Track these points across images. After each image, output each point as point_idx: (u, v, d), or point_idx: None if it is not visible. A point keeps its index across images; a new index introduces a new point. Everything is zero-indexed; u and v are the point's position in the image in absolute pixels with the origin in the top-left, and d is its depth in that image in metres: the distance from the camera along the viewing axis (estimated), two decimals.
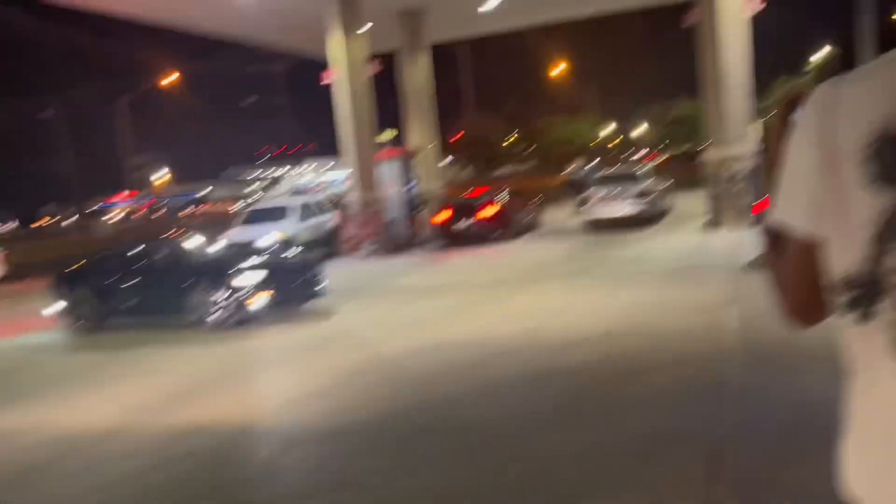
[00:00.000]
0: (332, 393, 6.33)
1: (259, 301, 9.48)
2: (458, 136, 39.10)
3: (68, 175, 56.76)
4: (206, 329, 9.42)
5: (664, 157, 34.28)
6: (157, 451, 5.22)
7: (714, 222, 14.99)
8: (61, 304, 10.49)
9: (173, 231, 12.83)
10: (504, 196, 18.51)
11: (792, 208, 1.09)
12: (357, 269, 14.98)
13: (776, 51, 30.71)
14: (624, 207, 17.41)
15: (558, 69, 41.81)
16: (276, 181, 37.57)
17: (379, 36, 18.64)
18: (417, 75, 21.26)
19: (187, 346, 8.83)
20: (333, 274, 10.93)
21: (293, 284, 9.96)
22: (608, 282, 10.55)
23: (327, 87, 17.52)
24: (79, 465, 5.15)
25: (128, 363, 8.40)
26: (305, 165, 36.97)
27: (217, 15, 18.05)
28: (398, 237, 17.72)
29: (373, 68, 18.16)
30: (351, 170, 17.52)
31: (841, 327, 1.05)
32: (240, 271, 9.64)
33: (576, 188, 23.27)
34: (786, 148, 1.09)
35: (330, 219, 17.95)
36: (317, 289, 10.21)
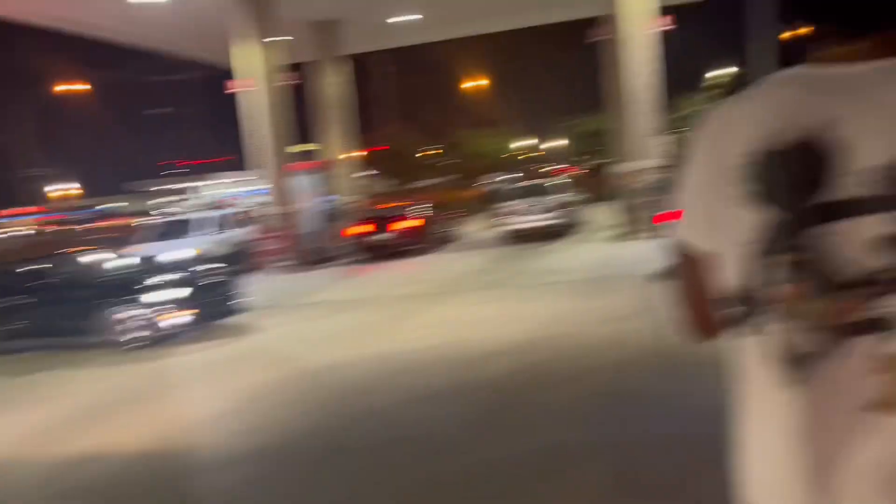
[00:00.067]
0: (247, 412, 6.13)
1: (172, 318, 9.10)
2: (378, 147, 38.97)
3: None
4: (116, 350, 8.96)
5: (578, 170, 35.15)
6: (50, 481, 4.91)
7: (625, 233, 15.44)
8: None
9: (77, 246, 12.18)
10: (422, 208, 18.53)
11: (687, 224, 1.13)
12: (274, 284, 14.64)
13: (687, 68, 32.05)
14: (539, 219, 17.73)
15: (477, 82, 42.35)
16: (188, 194, 36.38)
17: (295, 46, 18.39)
18: (335, 86, 21.09)
19: (94, 369, 8.39)
20: (250, 289, 10.65)
21: (208, 300, 9.61)
22: (524, 293, 10.68)
23: (245, 98, 17.15)
24: None
25: (24, 388, 7.89)
26: (220, 178, 35.96)
27: (120, 21, 17.39)
28: (316, 251, 17.45)
29: (287, 79, 17.88)
30: (266, 183, 17.16)
31: (731, 339, 1.09)
32: (152, 288, 9.23)
33: (493, 200, 23.51)
34: (684, 166, 1.13)
35: (245, 232, 17.50)
36: (233, 304, 9.91)
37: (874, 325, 0.95)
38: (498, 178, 30.31)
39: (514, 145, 52.38)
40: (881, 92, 0.96)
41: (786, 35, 1.05)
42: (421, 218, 18.09)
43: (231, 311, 9.86)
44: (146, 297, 9.09)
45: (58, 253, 11.00)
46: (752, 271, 1.02)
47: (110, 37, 19.69)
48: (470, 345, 7.62)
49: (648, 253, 11.39)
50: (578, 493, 3.97)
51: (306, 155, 21.14)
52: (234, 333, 9.47)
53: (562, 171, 26.74)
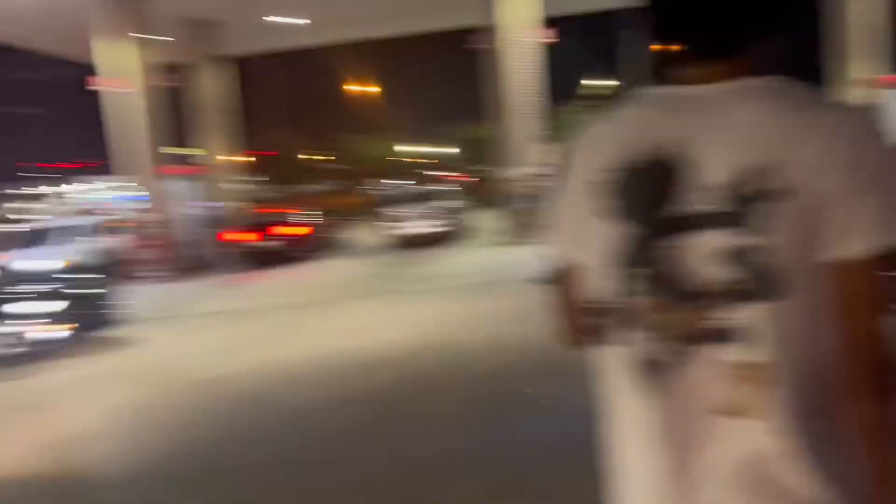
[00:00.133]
0: (122, 431, 5.75)
1: (44, 332, 8.40)
2: (264, 153, 38.03)
3: None
4: None
5: (465, 176, 35.63)
6: None
7: (510, 239, 15.75)
8: None
9: None
10: (310, 215, 18.20)
11: (557, 236, 1.18)
12: (153, 295, 13.91)
13: (571, 78, 33.13)
14: (427, 225, 17.83)
15: (366, 88, 42.11)
16: (51, 198, 34.10)
17: (173, 46, 17.61)
18: (216, 89, 20.35)
19: None
20: (127, 300, 10.05)
21: (82, 312, 8.92)
22: (411, 299, 10.66)
23: (114, 98, 16.22)
24: None
25: None
26: (88, 182, 33.93)
27: None
28: (196, 259, 16.74)
29: (163, 79, 17.09)
30: (141, 188, 16.32)
31: (597, 348, 1.13)
32: (20, 299, 8.52)
33: (381, 206, 23.47)
34: (557, 178, 1.17)
35: (120, 240, 16.55)
36: (109, 317, 9.29)
37: (718, 335, 0.99)
38: (386, 184, 30.33)
39: (402, 151, 52.55)
40: (727, 112, 1.00)
41: (653, 53, 1.09)
42: (308, 224, 17.75)
43: (107, 324, 9.25)
44: (13, 310, 8.38)
45: None
46: (613, 283, 1.06)
47: None
48: (355, 354, 7.50)
49: (531, 258, 11.68)
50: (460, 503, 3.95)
51: (185, 159, 20.30)
52: (110, 347, 8.89)
53: (450, 177, 27.05)
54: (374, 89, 43.56)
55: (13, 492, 4.87)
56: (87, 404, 6.74)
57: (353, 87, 42.62)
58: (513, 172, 16.06)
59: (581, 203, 1.09)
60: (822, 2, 20.14)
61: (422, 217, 18.01)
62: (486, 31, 16.85)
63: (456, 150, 47.48)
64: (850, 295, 0.95)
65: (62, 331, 8.57)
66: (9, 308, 8.39)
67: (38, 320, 8.42)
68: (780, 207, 0.94)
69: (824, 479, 0.96)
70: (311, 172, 40.70)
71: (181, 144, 20.13)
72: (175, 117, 17.90)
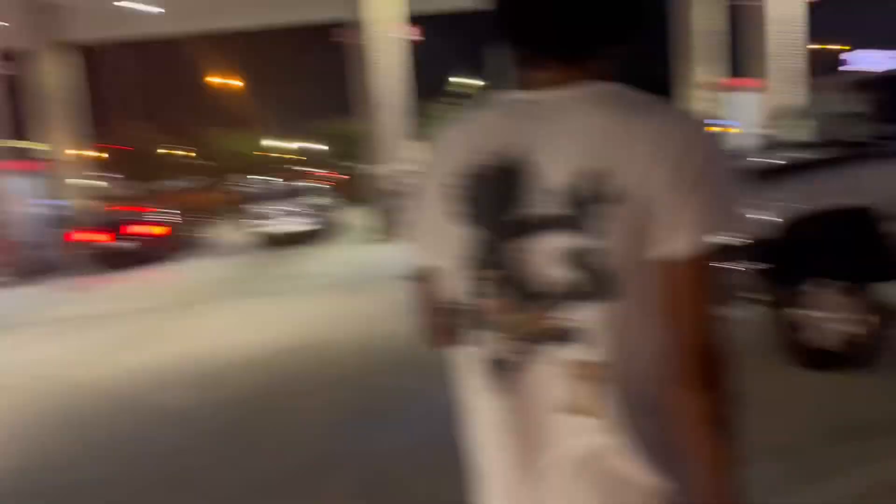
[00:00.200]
0: None
1: None
2: (118, 147, 35.84)
3: None
4: None
5: (335, 173, 35.21)
6: None
7: (379, 237, 15.71)
8: None
9: None
10: (169, 213, 17.31)
11: (416, 238, 1.21)
12: None
13: (441, 75, 33.46)
14: (295, 223, 17.47)
15: (229, 81, 40.54)
16: None
17: (11, 31, 16.19)
18: (60, 78, 18.91)
19: None
20: None
21: None
22: (277, 300, 10.37)
23: None
24: None
25: None
26: None
27: None
28: (41, 261, 15.48)
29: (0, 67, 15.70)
30: None
31: (454, 348, 1.16)
32: None
33: (247, 204, 22.75)
34: (418, 180, 1.19)
35: None
36: None
37: (559, 335, 1.02)
38: (252, 181, 29.41)
39: (269, 147, 51.24)
40: (565, 118, 1.03)
41: (511, 57, 1.10)
42: (166, 223, 16.87)
43: None
44: None
45: None
46: (465, 285, 1.09)
47: None
48: (218, 358, 7.18)
49: (399, 256, 11.71)
50: None
51: (26, 153, 18.74)
52: None
53: (319, 173, 26.68)
54: (238, 82, 42.10)
55: None
56: None
57: (216, 80, 40.95)
58: (382, 169, 16.02)
59: (435, 206, 1.12)
60: (667, 9, 21.53)
61: (289, 215, 17.63)
62: (351, 27, 16.69)
63: (325, 147, 46.85)
64: (678, 292, 0.99)
65: None
66: None
67: None
68: (614, 210, 0.97)
69: (660, 471, 1.01)
70: (171, 168, 38.85)
71: (21, 138, 18.58)
72: (13, 108, 16.48)
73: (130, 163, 34.84)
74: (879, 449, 3.61)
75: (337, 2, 16.76)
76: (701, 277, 0.99)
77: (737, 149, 7.58)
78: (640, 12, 1.08)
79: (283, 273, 13.01)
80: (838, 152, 5.03)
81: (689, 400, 0.99)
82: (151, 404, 5.94)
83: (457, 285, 1.11)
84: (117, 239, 15.85)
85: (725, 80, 21.12)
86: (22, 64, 18.58)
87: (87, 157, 20.53)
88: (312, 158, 51.06)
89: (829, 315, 4.58)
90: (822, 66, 18.32)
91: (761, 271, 4.53)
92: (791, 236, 4.47)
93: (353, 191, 23.64)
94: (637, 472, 1.00)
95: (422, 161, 1.19)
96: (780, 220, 4.50)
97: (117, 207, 17.55)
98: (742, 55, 18.80)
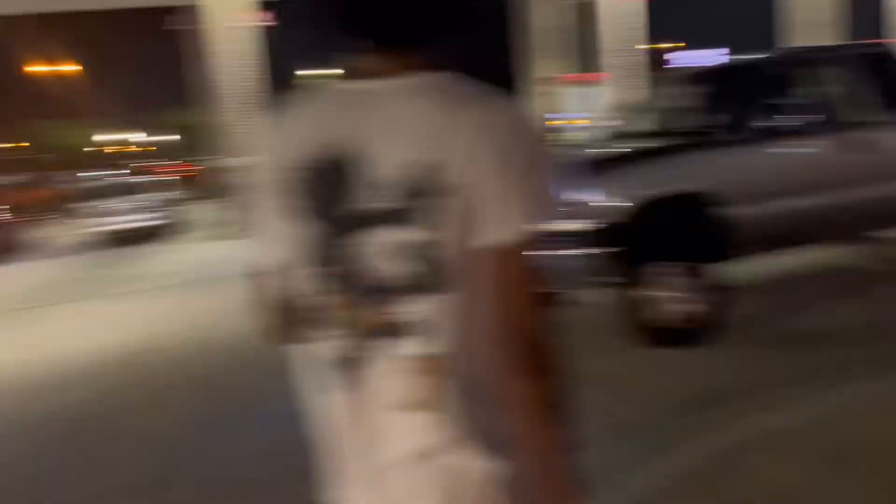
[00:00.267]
0: None
1: None
2: None
3: None
4: None
5: (182, 166, 33.54)
6: None
7: (228, 232, 15.10)
8: None
9: None
10: None
11: (255, 234, 1.17)
12: None
13: (296, 64, 32.58)
14: (136, 219, 16.63)
15: (61, 68, 37.39)
16: None
17: None
18: None
19: None
20: None
21: None
22: (119, 301, 9.72)
23: None
24: None
25: None
26: None
27: None
28: None
29: None
30: None
31: (296, 345, 1.15)
32: None
33: (82, 200, 21.24)
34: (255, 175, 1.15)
35: None
36: None
37: (396, 330, 1.02)
38: (88, 175, 27.48)
39: (105, 139, 48.02)
40: (395, 108, 1.01)
41: (343, 44, 1.07)
42: None
43: None
44: None
45: None
46: (305, 281, 1.08)
47: None
48: (51, 368, 6.59)
49: (244, 253, 11.30)
50: None
51: None
52: None
53: (165, 167, 25.39)
54: (70, 69, 38.99)
55: None
56: None
57: (43, 68, 37.67)
58: (229, 162, 15.40)
59: (271, 200, 1.10)
60: (506, 4, 22.24)
61: (131, 211, 16.70)
62: (188, 12, 15.82)
63: (170, 138, 44.54)
64: (503, 280, 1.00)
65: None
66: None
67: None
68: (445, 202, 0.97)
69: (496, 459, 1.03)
70: None
71: None
72: None
73: None
74: (719, 418, 3.83)
75: None
76: (524, 267, 1.00)
77: (581, 140, 7.89)
78: (465, 2, 1.07)
79: (124, 273, 12.30)
80: (674, 141, 5.34)
81: (518, 386, 1.00)
82: None
83: (296, 282, 1.10)
84: None
85: (567, 75, 22.13)
86: None
87: None
88: (158, 151, 48.40)
89: (671, 294, 4.84)
90: (661, 62, 19.63)
91: (608, 255, 4.71)
92: (634, 221, 4.68)
93: (201, 184, 22.61)
94: (474, 462, 1.02)
95: (257, 154, 1.15)
96: (624, 205, 4.70)
97: None
98: (587, 51, 19.78)
